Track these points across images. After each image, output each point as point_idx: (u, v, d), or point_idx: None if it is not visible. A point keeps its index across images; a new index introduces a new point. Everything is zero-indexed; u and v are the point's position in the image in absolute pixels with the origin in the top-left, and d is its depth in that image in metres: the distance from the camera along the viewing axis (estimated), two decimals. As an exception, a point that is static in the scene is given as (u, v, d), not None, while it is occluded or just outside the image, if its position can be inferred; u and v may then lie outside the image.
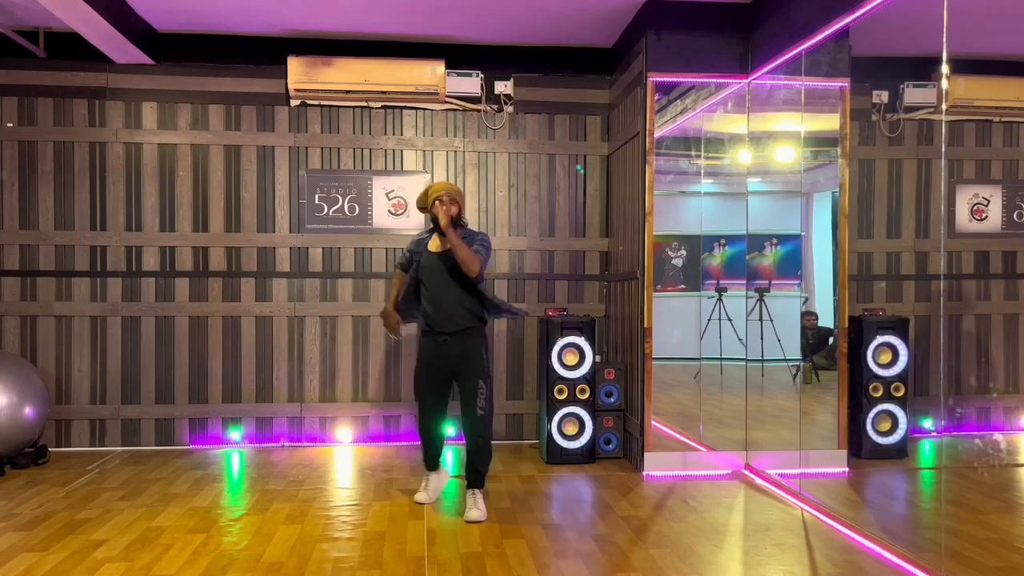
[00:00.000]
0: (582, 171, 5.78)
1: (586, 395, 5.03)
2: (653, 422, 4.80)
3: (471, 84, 5.53)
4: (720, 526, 3.85)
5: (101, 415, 5.47)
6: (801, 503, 4.14)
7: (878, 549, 3.48)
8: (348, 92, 5.42)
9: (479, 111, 5.70)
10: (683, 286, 5.43)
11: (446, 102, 5.59)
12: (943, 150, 4.58)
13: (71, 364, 5.47)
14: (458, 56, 5.54)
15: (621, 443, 5.21)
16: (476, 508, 3.95)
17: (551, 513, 4.08)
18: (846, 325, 4.44)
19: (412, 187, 5.67)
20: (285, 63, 5.34)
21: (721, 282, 5.23)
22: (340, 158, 5.65)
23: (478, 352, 4.06)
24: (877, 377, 4.53)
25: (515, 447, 5.58)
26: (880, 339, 4.53)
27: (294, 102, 5.57)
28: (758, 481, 4.64)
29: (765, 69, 4.58)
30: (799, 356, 4.85)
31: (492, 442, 4.15)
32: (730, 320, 5.09)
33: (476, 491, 4.04)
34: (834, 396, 4.47)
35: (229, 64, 5.55)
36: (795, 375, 4.87)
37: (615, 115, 5.59)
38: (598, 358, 5.13)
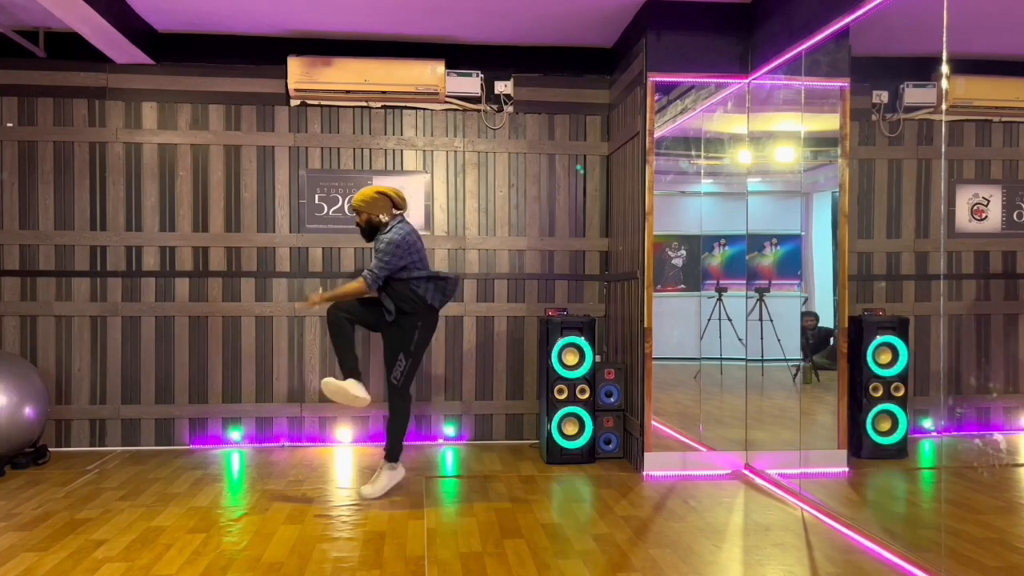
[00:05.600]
0: (582, 171, 5.78)
1: (586, 395, 5.03)
2: (653, 422, 4.80)
3: (471, 84, 5.53)
4: (720, 526, 3.85)
5: (101, 415, 5.47)
6: (801, 503, 4.14)
7: (878, 549, 3.48)
8: (348, 92, 5.42)
9: (479, 111, 5.70)
10: (683, 286, 5.43)
11: (446, 102, 5.58)
12: (943, 150, 4.58)
13: (71, 364, 5.47)
14: (458, 56, 5.54)
15: (621, 443, 5.21)
16: (369, 483, 4.28)
17: (551, 513, 4.08)
18: (846, 325, 4.44)
19: (412, 187, 5.66)
20: (285, 63, 5.34)
21: (721, 282, 5.23)
22: (340, 158, 5.65)
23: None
24: (877, 377, 4.52)
25: (515, 447, 5.58)
26: (880, 339, 4.53)
27: (294, 102, 5.57)
28: (758, 481, 4.64)
29: (765, 69, 4.58)
30: (799, 356, 4.84)
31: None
32: (730, 320, 5.09)
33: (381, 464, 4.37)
34: (834, 396, 4.47)
35: (229, 64, 5.55)
36: (795, 375, 4.87)
37: (615, 115, 5.59)
38: (598, 358, 5.13)
